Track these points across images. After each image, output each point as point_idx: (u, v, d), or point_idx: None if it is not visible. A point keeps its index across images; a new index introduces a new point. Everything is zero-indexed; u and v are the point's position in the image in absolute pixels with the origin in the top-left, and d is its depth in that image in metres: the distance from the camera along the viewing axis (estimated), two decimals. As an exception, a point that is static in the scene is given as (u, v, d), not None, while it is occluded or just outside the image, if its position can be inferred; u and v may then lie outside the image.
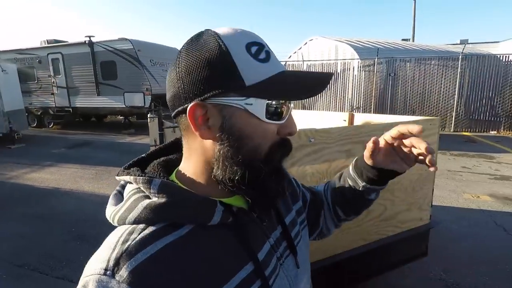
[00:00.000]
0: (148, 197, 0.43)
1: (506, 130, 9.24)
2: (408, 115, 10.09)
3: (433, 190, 2.02)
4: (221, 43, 0.42)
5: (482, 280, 2.39)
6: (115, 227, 0.45)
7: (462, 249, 2.86)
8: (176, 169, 0.51)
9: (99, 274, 0.38)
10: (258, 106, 0.43)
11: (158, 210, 0.41)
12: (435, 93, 9.79)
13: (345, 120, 2.68)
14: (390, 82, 10.01)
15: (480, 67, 9.47)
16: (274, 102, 0.44)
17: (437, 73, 9.70)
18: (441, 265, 2.56)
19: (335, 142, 1.59)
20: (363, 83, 10.13)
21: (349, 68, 10.43)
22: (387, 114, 7.68)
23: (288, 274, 0.53)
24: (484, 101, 9.62)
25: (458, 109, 9.64)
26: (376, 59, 9.76)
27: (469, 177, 4.99)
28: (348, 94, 10.48)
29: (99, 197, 4.33)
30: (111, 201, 0.49)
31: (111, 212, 0.46)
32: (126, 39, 9.40)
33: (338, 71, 10.60)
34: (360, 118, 2.63)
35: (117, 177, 0.50)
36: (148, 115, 3.21)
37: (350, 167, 0.70)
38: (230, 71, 0.42)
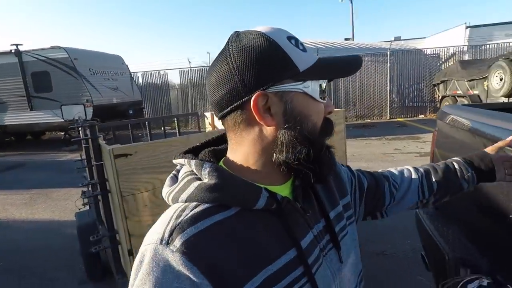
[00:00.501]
0: (199, 179, 0.47)
1: (431, 113, 10.42)
2: (349, 107, 10.91)
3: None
4: (269, 39, 0.47)
5: (405, 244, 2.71)
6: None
7: (385, 223, 3.22)
8: (224, 158, 0.54)
9: (156, 243, 0.41)
10: (313, 88, 0.49)
11: (208, 190, 0.44)
12: (371, 87, 10.73)
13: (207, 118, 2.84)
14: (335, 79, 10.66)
15: (405, 61, 10.62)
16: (323, 84, 0.50)
17: (371, 69, 10.63)
18: (369, 236, 2.85)
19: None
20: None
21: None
22: (337, 107, 8.21)
23: (331, 266, 0.54)
24: (412, 90, 10.81)
25: (391, 98, 10.66)
26: (315, 58, 10.34)
27: (399, 157, 5.58)
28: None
29: (33, 224, 3.96)
30: (167, 182, 0.52)
31: (166, 192, 0.49)
32: (59, 47, 8.70)
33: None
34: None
35: (174, 161, 0.54)
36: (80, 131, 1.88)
37: (459, 158, 0.80)
38: (285, 61, 0.46)
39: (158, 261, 0.40)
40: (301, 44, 0.50)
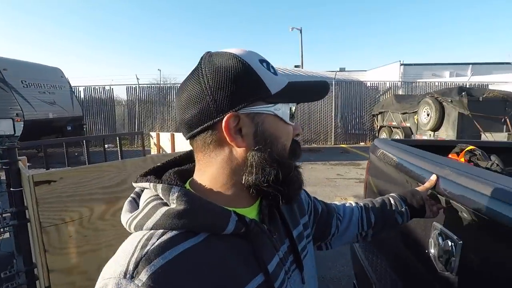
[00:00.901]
0: (166, 204, 0.45)
1: (370, 141, 11.34)
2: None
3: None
4: (242, 61, 0.47)
5: (341, 271, 2.81)
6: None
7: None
8: (190, 180, 0.53)
9: (118, 277, 0.38)
10: (284, 111, 0.50)
11: (176, 217, 0.42)
12: (317, 113, 11.40)
13: (169, 140, 2.84)
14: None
15: (349, 91, 11.56)
16: (293, 107, 0.52)
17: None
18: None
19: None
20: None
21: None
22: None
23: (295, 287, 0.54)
24: (354, 118, 11.73)
25: (336, 125, 11.43)
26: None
27: (341, 182, 5.89)
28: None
29: None
30: (126, 207, 0.50)
31: (127, 218, 0.46)
32: (-15, 56, 7.82)
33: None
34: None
35: (134, 184, 0.51)
36: None
37: (395, 194, 0.86)
38: (257, 83, 0.47)
39: None
40: (272, 67, 0.51)
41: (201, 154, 0.50)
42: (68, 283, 1.21)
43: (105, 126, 11.88)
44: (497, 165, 1.57)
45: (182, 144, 3.34)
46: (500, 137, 5.92)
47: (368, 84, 12.19)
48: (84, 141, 3.25)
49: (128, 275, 0.38)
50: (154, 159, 1.52)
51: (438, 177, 0.92)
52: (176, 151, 3.37)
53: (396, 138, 8.55)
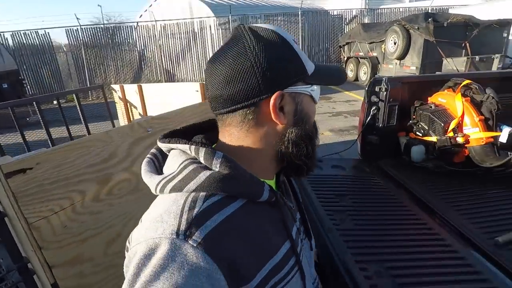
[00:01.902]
0: (206, 168, 0.45)
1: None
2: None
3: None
4: (285, 41, 0.48)
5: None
6: None
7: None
8: (215, 146, 0.53)
9: (170, 237, 0.38)
10: (317, 92, 0.53)
11: (221, 181, 0.43)
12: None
13: (197, 91, 2.61)
14: (246, 39, 10.46)
15: (315, 22, 11.01)
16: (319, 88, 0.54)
17: (283, 28, 10.73)
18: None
19: (179, 124, 1.51)
20: (222, 41, 10.20)
21: (206, 27, 10.24)
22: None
23: (306, 255, 0.60)
24: (321, 49, 11.44)
25: (303, 59, 11.16)
26: (230, 17, 9.88)
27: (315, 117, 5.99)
28: (209, 54, 10.42)
29: None
30: (147, 169, 0.51)
31: (158, 180, 0.46)
32: None
33: (196, 30, 10.26)
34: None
35: (160, 143, 0.52)
36: None
37: None
38: (300, 64, 0.49)
39: (174, 256, 0.37)
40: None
41: (237, 129, 0.50)
42: (75, 274, 1.09)
43: (48, 79, 10.30)
44: (493, 97, 1.58)
45: (152, 98, 3.04)
46: (460, 62, 6.13)
47: (335, 12, 11.64)
48: (35, 102, 2.79)
49: (181, 235, 0.38)
50: (142, 124, 1.31)
51: None
52: (146, 104, 3.09)
53: (364, 69, 8.69)
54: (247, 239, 0.44)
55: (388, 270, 1.00)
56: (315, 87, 0.52)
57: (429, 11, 9.91)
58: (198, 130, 0.59)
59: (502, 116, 1.59)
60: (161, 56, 10.59)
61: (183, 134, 0.55)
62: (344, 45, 10.03)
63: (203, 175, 0.43)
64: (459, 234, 1.24)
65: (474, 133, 1.54)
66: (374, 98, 1.86)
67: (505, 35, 6.77)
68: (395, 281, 0.96)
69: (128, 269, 0.40)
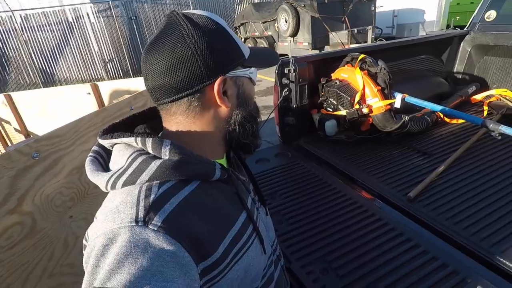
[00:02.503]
0: (155, 157, 0.46)
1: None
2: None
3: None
4: (221, 26, 0.50)
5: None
6: None
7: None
8: (161, 135, 0.55)
9: (129, 225, 0.39)
10: (254, 74, 0.59)
11: (173, 168, 0.45)
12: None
13: (89, 93, 2.20)
14: (135, 26, 9.48)
15: (206, 3, 10.68)
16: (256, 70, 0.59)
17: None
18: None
19: (75, 142, 1.22)
20: (106, 31, 9.01)
21: (83, 16, 8.83)
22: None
23: (263, 220, 0.66)
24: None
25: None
26: (110, 2, 8.73)
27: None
28: (93, 47, 9.10)
29: None
30: (93, 167, 0.49)
31: (108, 178, 0.46)
32: None
33: (70, 20, 8.76)
34: (107, 86, 2.24)
35: (102, 140, 0.51)
36: None
37: None
38: (236, 49, 0.52)
39: (137, 242, 0.38)
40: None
41: (183, 117, 0.51)
42: None
43: None
44: (384, 68, 1.75)
45: (29, 108, 2.47)
46: (343, 34, 6.88)
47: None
48: None
49: (140, 222, 0.39)
50: (23, 150, 0.99)
51: None
52: (23, 117, 2.49)
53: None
54: (205, 216, 0.46)
55: (331, 264, 1.02)
56: (252, 69, 0.56)
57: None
58: (138, 120, 0.58)
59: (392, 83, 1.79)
60: (31, 54, 8.74)
61: (124, 127, 0.54)
62: (239, 26, 10.09)
63: (154, 164, 0.44)
64: (380, 197, 1.37)
65: (375, 102, 1.70)
66: (284, 80, 1.87)
67: (372, 8, 7.84)
68: (338, 273, 0.98)
69: (88, 264, 0.39)
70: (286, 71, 1.85)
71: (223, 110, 0.52)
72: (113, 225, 0.39)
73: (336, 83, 1.85)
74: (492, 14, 2.36)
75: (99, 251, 0.38)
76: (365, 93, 1.74)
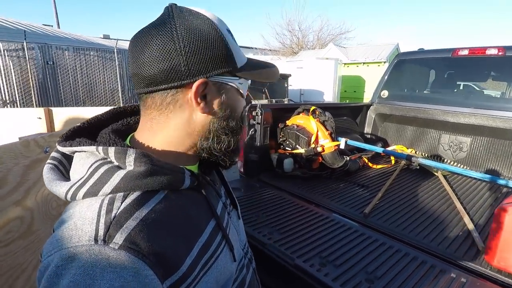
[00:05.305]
0: (119, 167, 0.42)
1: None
2: (78, 106, 9.56)
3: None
4: (217, 29, 0.47)
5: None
6: None
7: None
8: (130, 137, 0.52)
9: (88, 244, 0.36)
10: (244, 86, 0.53)
11: (138, 178, 0.41)
12: (100, 84, 9.97)
13: (40, 118, 2.03)
14: (50, 71, 8.77)
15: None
16: (249, 83, 0.55)
17: (98, 65, 9.88)
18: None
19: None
20: (13, 72, 8.04)
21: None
22: (54, 106, 6.78)
23: (235, 224, 0.63)
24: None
25: (124, 97, 10.58)
26: (25, 43, 8.03)
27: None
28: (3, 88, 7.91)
29: None
30: (52, 177, 0.45)
31: (67, 188, 0.42)
32: None
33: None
34: (63, 113, 2.11)
35: (62, 147, 0.47)
36: None
37: None
38: (229, 55, 0.48)
39: (95, 263, 0.35)
40: (235, 39, 0.52)
41: (157, 112, 0.48)
42: None
43: None
44: (331, 118, 2.24)
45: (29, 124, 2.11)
46: (264, 103, 7.90)
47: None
48: None
49: (99, 241, 0.36)
50: (39, 141, 0.93)
51: None
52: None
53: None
54: (172, 228, 0.43)
55: (327, 257, 1.23)
56: (243, 80, 0.52)
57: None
58: (107, 120, 0.55)
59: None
60: None
61: (89, 129, 0.51)
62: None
63: (117, 176, 0.41)
64: (341, 214, 1.67)
65: (327, 143, 2.11)
66: (252, 121, 2.15)
67: (286, 85, 9.32)
68: (335, 263, 1.19)
69: (40, 284, 0.35)
70: (254, 113, 2.15)
71: (199, 115, 0.49)
72: (69, 244, 0.36)
73: (294, 127, 2.23)
74: (385, 93, 3.27)
75: (53, 273, 0.35)
76: (318, 136, 2.15)
